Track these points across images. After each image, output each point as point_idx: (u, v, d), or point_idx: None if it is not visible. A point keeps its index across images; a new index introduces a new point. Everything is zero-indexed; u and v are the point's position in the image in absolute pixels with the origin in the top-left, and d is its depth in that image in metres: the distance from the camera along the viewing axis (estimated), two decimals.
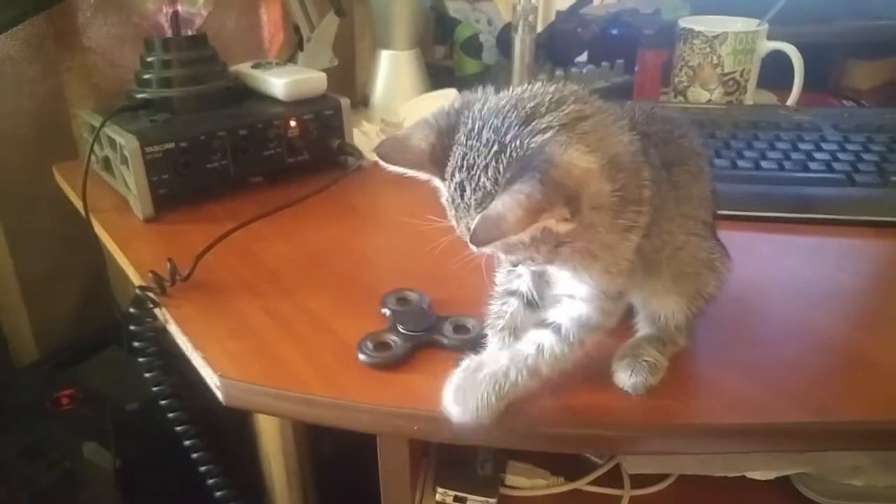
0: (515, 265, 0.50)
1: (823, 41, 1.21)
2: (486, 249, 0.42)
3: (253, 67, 0.92)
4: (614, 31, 1.25)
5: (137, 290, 0.63)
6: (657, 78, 1.15)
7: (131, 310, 0.63)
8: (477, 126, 0.43)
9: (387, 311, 0.60)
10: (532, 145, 0.41)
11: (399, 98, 1.07)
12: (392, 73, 1.09)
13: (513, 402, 0.48)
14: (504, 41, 1.14)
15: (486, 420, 0.48)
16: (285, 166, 0.87)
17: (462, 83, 1.12)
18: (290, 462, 1.08)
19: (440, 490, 0.68)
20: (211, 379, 0.55)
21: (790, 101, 1.05)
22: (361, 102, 1.13)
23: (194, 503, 0.83)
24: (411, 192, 0.85)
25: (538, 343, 0.48)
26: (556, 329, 0.48)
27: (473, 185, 0.42)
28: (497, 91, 0.46)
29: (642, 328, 0.56)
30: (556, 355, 0.48)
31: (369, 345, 0.55)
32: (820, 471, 0.71)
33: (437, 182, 0.47)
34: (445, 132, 0.45)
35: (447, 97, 1.02)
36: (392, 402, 0.51)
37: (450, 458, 0.71)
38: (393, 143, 0.47)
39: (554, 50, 1.19)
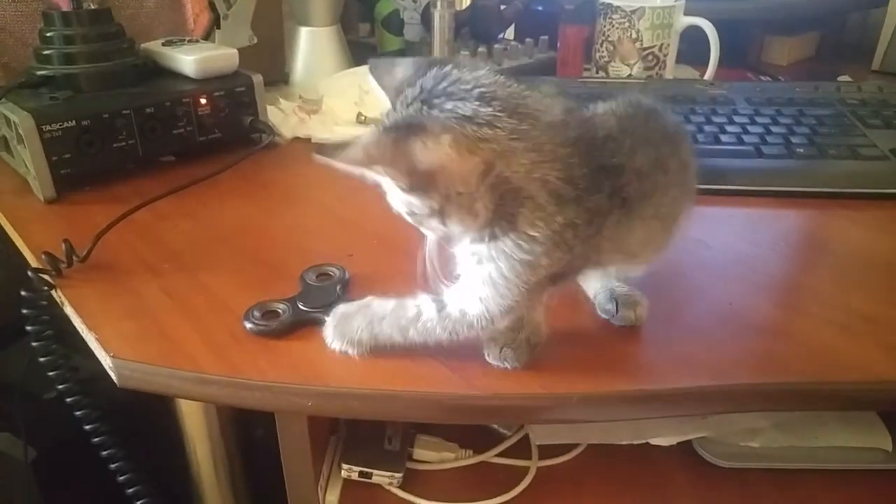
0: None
1: (741, 17, 1.23)
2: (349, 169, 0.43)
3: (163, 45, 0.90)
4: (539, 8, 1.25)
5: (29, 273, 0.61)
6: (580, 53, 1.15)
7: (24, 293, 0.61)
8: (422, 82, 0.44)
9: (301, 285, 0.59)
10: (429, 112, 0.43)
11: (318, 75, 1.06)
12: (311, 49, 1.08)
13: (381, 347, 0.51)
14: (427, 17, 1.13)
15: (349, 352, 0.51)
16: (197, 145, 0.85)
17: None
18: (216, 448, 1.06)
19: (345, 466, 0.68)
20: (104, 360, 0.54)
21: (707, 76, 1.06)
22: (283, 80, 1.12)
23: (117, 493, 0.82)
24: (325, 169, 0.86)
25: (419, 308, 0.50)
26: (441, 308, 0.49)
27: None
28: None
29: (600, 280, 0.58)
30: (428, 330, 0.50)
31: (256, 313, 0.55)
32: (719, 434, 0.73)
33: None
34: (418, 77, 0.45)
35: (367, 73, 1.01)
36: (286, 379, 0.50)
37: (360, 433, 0.71)
38: (388, 65, 0.48)
39: (477, 26, 1.18)
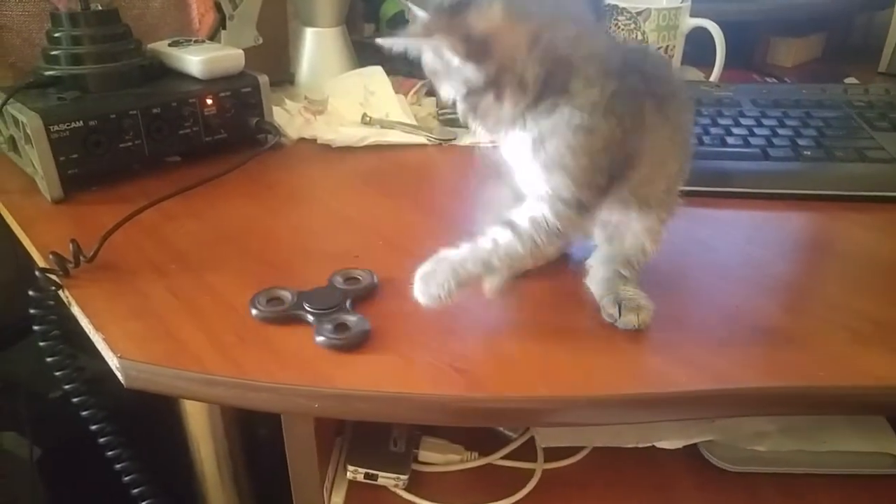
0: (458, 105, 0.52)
1: (747, 18, 1.23)
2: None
3: (170, 45, 0.90)
4: None
5: (37, 273, 0.61)
6: None
7: (31, 292, 0.61)
8: None
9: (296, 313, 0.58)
10: None
11: (324, 75, 1.06)
12: (317, 50, 1.08)
13: (468, 287, 0.53)
14: None
15: (445, 303, 0.52)
16: (203, 145, 0.85)
17: (389, 61, 1.11)
18: (219, 446, 1.06)
19: (350, 468, 0.68)
20: (111, 360, 0.54)
21: (712, 78, 1.06)
22: (288, 81, 1.12)
23: (121, 492, 0.82)
24: (330, 170, 0.86)
25: (494, 239, 0.52)
26: (514, 227, 0.51)
27: None
28: None
29: (603, 269, 0.59)
30: (510, 253, 0.51)
31: (262, 299, 0.56)
32: (726, 438, 0.73)
33: None
34: None
35: (372, 74, 1.01)
36: (293, 381, 0.50)
37: (365, 435, 0.71)
38: None
39: None
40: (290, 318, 0.56)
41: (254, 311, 0.56)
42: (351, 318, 0.55)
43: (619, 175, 0.51)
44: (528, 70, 0.47)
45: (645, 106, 0.50)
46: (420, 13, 0.49)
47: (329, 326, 0.54)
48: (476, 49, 0.46)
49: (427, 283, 0.53)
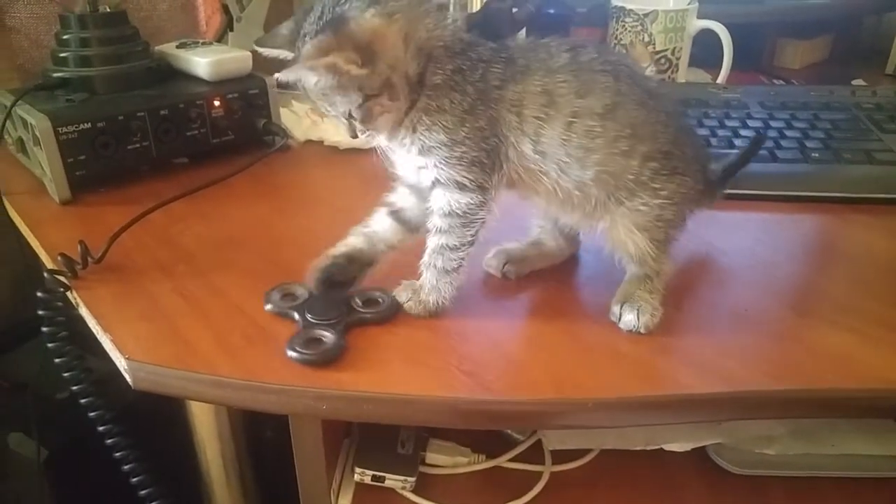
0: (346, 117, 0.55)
1: (754, 20, 1.23)
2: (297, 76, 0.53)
3: (178, 47, 0.90)
4: (551, 11, 1.24)
5: (45, 274, 0.62)
6: None
7: (39, 294, 0.61)
8: (316, 8, 0.52)
9: (290, 312, 0.57)
10: (340, 10, 0.51)
11: None
12: None
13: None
14: None
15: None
16: (210, 147, 0.85)
17: None
18: (226, 449, 1.06)
19: (358, 470, 0.68)
20: (119, 362, 0.54)
21: (719, 80, 1.06)
22: None
23: (127, 492, 0.82)
24: (337, 172, 0.86)
25: (429, 249, 0.57)
26: (437, 229, 0.57)
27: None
28: None
29: (627, 268, 0.60)
30: (450, 248, 0.56)
31: (300, 341, 0.53)
32: (734, 441, 0.72)
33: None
34: (301, 20, 0.54)
35: None
36: (301, 382, 0.50)
37: (373, 437, 0.71)
38: (268, 35, 0.57)
39: (488, 29, 1.18)
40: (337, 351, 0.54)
41: (293, 355, 0.52)
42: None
43: (497, 149, 0.55)
44: (409, 65, 0.52)
45: (492, 70, 0.54)
46: (278, 54, 0.55)
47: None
48: (367, 54, 0.50)
49: (418, 304, 0.57)
